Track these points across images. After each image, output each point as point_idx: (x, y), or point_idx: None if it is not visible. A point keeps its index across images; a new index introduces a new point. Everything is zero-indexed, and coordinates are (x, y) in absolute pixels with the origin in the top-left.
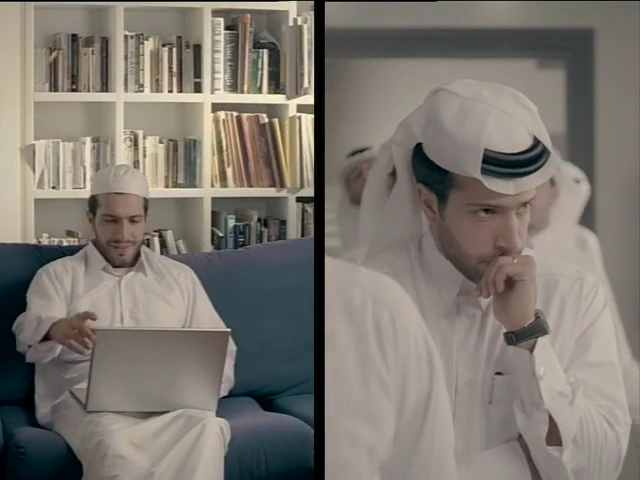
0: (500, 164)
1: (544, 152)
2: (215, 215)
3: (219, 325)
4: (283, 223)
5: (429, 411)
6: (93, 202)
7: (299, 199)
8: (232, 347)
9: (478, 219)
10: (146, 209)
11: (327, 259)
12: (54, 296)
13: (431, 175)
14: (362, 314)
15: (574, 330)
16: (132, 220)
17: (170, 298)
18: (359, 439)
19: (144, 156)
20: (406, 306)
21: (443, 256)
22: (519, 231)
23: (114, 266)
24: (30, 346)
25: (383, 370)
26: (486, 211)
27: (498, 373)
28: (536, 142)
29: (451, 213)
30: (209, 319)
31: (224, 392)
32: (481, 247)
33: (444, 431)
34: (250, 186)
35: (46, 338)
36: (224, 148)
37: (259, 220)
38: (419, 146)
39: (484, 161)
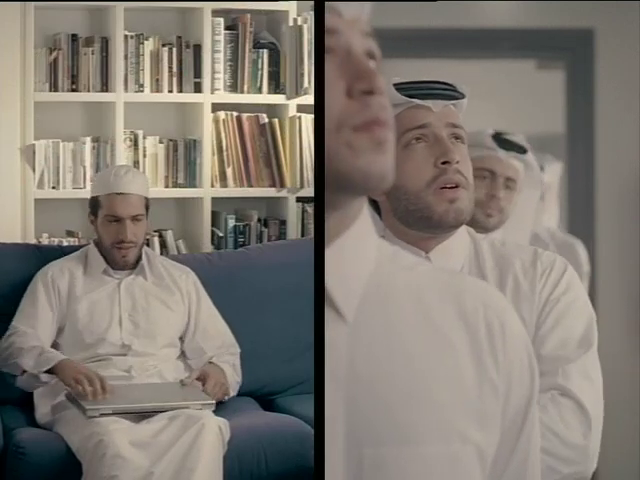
0: (412, 89)
1: (454, 86)
2: (215, 215)
3: (223, 330)
4: (283, 223)
5: (527, 421)
6: (95, 203)
7: (299, 199)
8: (237, 349)
9: (413, 150)
10: (147, 208)
11: (428, 264)
12: (46, 312)
13: None
14: (475, 320)
15: (532, 317)
16: (134, 219)
17: (170, 302)
18: (471, 437)
19: (144, 156)
20: (513, 315)
21: (404, 227)
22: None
23: (115, 269)
24: (25, 372)
25: (494, 374)
26: (418, 140)
27: None
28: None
29: None
30: (213, 325)
31: (233, 392)
32: (423, 172)
33: (536, 443)
34: (250, 186)
35: (49, 371)
36: (224, 148)
37: (259, 220)
38: None
39: (397, 90)
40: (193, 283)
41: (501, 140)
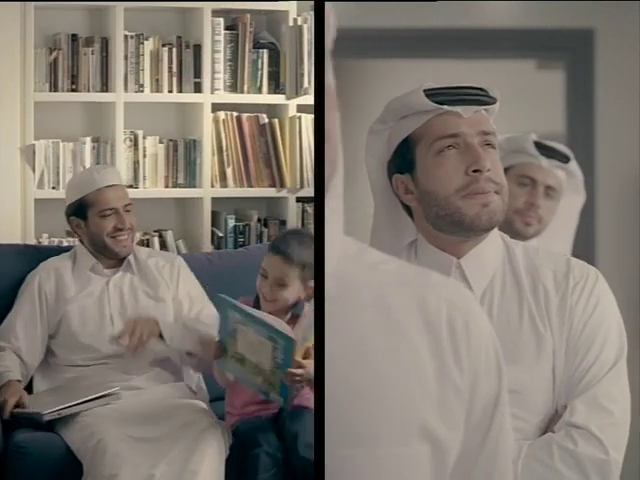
0: (443, 95)
1: (486, 91)
2: (215, 215)
3: (202, 299)
4: (283, 223)
5: (496, 415)
6: (80, 206)
7: (299, 199)
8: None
9: (445, 157)
10: None
11: (397, 261)
12: (31, 323)
13: (399, 155)
14: (437, 319)
15: (562, 334)
16: (126, 209)
17: (158, 294)
18: (433, 433)
19: (144, 156)
20: (477, 312)
21: (436, 231)
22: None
23: (105, 267)
24: None
25: (456, 375)
26: (449, 147)
27: None
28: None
29: (422, 170)
30: (188, 297)
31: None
32: (454, 180)
33: (507, 436)
34: (250, 186)
35: None
36: (224, 148)
37: (259, 220)
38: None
39: (428, 96)
40: (177, 267)
41: (543, 147)
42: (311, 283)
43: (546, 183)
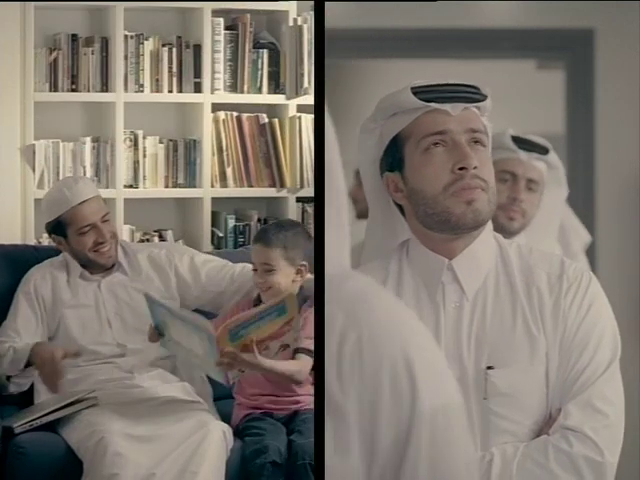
0: (432, 92)
1: (477, 88)
2: (215, 215)
3: (206, 263)
4: None
5: (410, 444)
6: (58, 226)
7: (299, 199)
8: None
9: (432, 154)
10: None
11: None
12: (29, 322)
13: (389, 154)
14: (330, 331)
15: (556, 336)
16: (104, 220)
17: (152, 288)
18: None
19: (144, 156)
20: (385, 326)
21: (426, 230)
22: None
23: (93, 273)
24: (9, 377)
25: (339, 395)
26: (436, 145)
27: (490, 367)
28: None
29: (411, 168)
30: (188, 268)
31: None
32: (440, 177)
33: (436, 464)
34: (250, 186)
35: (27, 364)
36: (224, 148)
37: (259, 220)
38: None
39: (418, 94)
40: (166, 255)
41: (521, 141)
42: (301, 262)
43: (527, 176)
